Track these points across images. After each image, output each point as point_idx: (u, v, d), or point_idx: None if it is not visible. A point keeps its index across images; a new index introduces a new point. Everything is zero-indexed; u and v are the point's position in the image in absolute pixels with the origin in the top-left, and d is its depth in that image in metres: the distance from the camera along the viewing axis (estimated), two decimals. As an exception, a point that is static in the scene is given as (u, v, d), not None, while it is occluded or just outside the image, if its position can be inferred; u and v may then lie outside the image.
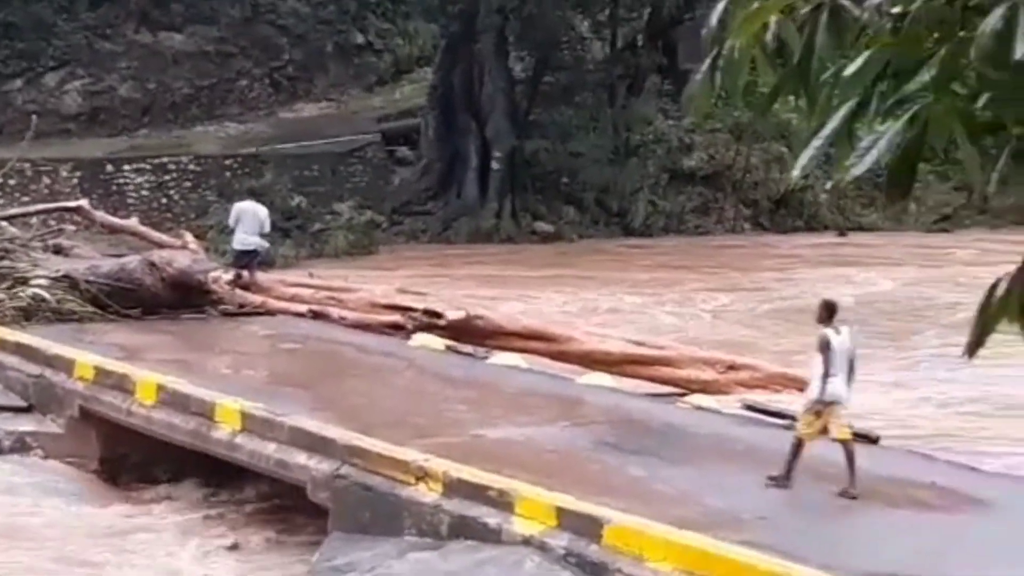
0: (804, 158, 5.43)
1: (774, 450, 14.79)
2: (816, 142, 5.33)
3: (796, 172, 5.51)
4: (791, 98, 5.61)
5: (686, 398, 17.92)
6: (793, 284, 34.90)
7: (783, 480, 12.98)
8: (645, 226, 45.83)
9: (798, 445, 12.94)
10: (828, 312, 13.02)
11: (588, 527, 11.78)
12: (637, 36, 49.68)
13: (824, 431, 12.91)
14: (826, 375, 12.78)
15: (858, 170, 5.22)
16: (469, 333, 20.53)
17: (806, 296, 32.93)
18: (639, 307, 31.99)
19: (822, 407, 12.85)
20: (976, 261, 36.57)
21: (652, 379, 19.30)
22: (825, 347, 12.79)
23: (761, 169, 47.51)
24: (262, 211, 22.82)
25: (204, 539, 15.22)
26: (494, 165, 45.13)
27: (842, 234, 46.32)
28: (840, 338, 12.86)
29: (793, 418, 15.75)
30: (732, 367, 19.26)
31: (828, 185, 42.01)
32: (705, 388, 18.67)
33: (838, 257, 41.12)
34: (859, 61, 5.24)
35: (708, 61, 5.48)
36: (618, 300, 32.83)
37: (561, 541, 11.86)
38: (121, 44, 46.85)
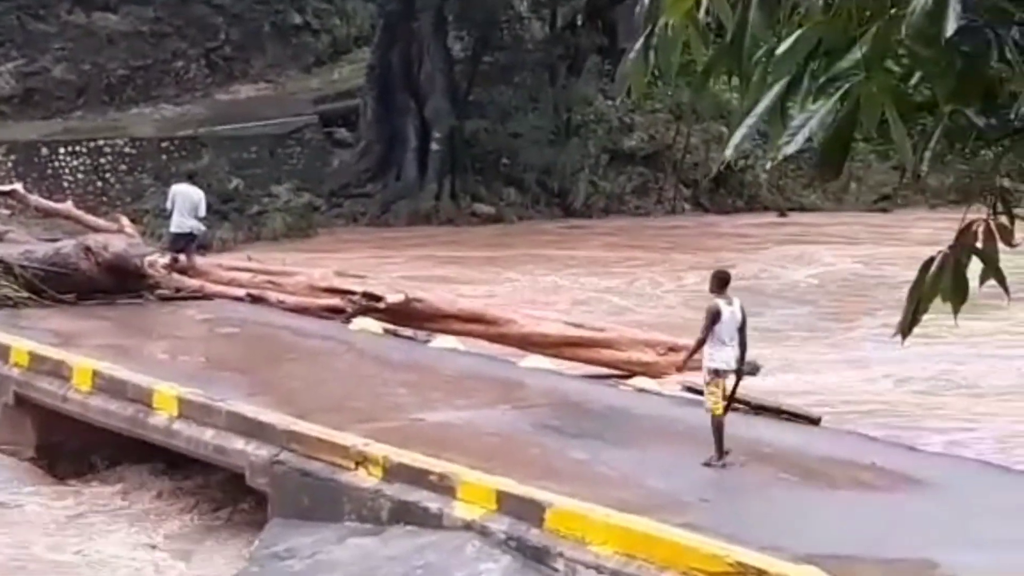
0: (737, 136, 5.39)
1: (715, 431, 14.81)
2: (749, 120, 5.29)
3: (729, 151, 5.51)
4: (731, 77, 5.56)
5: (627, 380, 17.89)
6: (748, 263, 34.87)
7: (716, 460, 13.05)
8: (586, 207, 45.80)
9: (718, 424, 13.06)
10: (720, 283, 13.21)
11: (529, 511, 11.72)
12: (577, 16, 49.58)
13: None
14: (703, 344, 13.08)
15: (790, 148, 5.18)
16: (409, 316, 20.43)
17: (763, 277, 33.14)
18: (585, 288, 32.00)
19: (719, 376, 13.05)
20: (933, 240, 36.71)
21: (593, 361, 19.25)
22: (716, 317, 12.99)
23: (701, 149, 47.57)
24: (197, 194, 22.64)
25: (141, 527, 15.09)
26: (433, 146, 44.98)
27: (782, 214, 46.43)
28: (731, 308, 13.06)
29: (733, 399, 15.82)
30: (673, 348, 19.19)
31: (767, 165, 42.09)
32: (646, 370, 18.63)
33: (787, 236, 41.24)
34: (791, 39, 5.20)
35: (642, 39, 5.42)
36: (564, 281, 32.84)
37: (502, 525, 11.80)
38: (55, 24, 46.37)
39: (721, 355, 13.01)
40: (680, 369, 14.22)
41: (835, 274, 34.73)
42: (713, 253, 36.77)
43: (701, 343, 13.13)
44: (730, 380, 13.14)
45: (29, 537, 14.66)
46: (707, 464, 13.06)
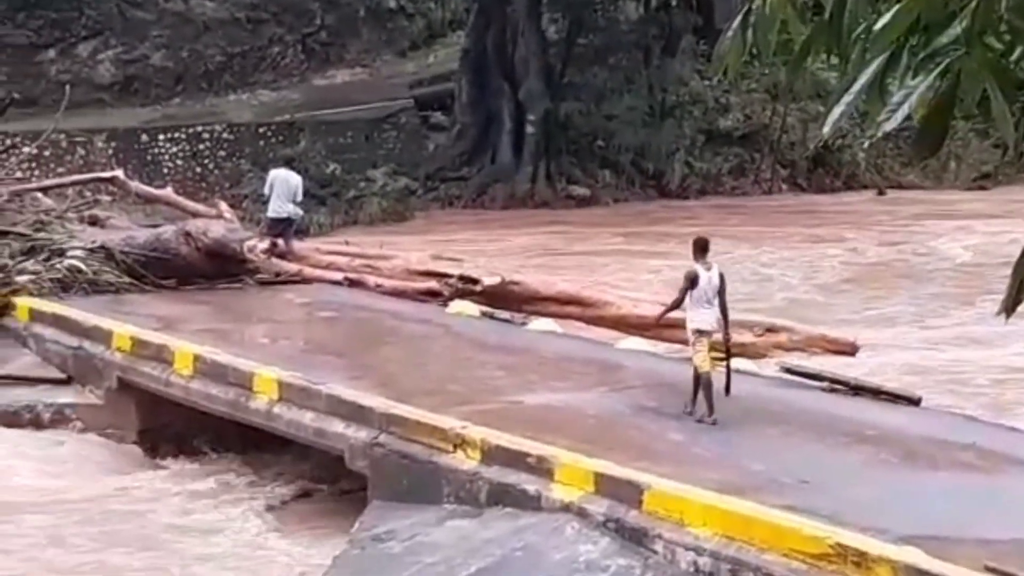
0: (835, 114, 5.34)
1: (814, 412, 14.74)
2: (847, 98, 5.24)
3: (827, 128, 5.47)
4: (829, 55, 5.52)
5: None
6: (869, 241, 34.50)
7: (706, 416, 13.78)
8: (681, 188, 45.66)
9: (700, 379, 13.86)
10: (700, 249, 13.98)
11: (628, 493, 11.71)
12: (672, -5, 49.43)
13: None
14: (678, 305, 14.06)
15: (889, 125, 5.12)
16: (505, 299, 20.45)
17: (910, 255, 32.87)
18: (681, 270, 31.81)
19: (702, 335, 13.85)
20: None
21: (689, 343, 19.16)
22: (693, 282, 13.80)
23: (798, 128, 47.29)
24: (295, 179, 22.75)
25: (243, 510, 15.23)
26: (528, 129, 44.97)
27: (881, 193, 46.08)
28: (709, 274, 13.84)
29: (831, 379, 15.73)
30: (770, 330, 19.09)
31: (865, 144, 41.78)
32: (743, 351, 18.53)
33: (916, 215, 40.72)
34: (890, 15, 5.14)
35: (739, 18, 5.39)
36: (660, 262, 32.70)
37: (600, 507, 11.80)
38: (153, 12, 46.79)
39: (702, 316, 13.82)
40: (657, 323, 15.19)
41: (986, 249, 34.19)
42: (826, 230, 36.53)
43: (676, 303, 14.09)
44: (707, 339, 13.87)
45: (131, 519, 14.83)
46: (689, 414, 13.88)
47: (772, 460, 12.72)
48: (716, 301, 13.85)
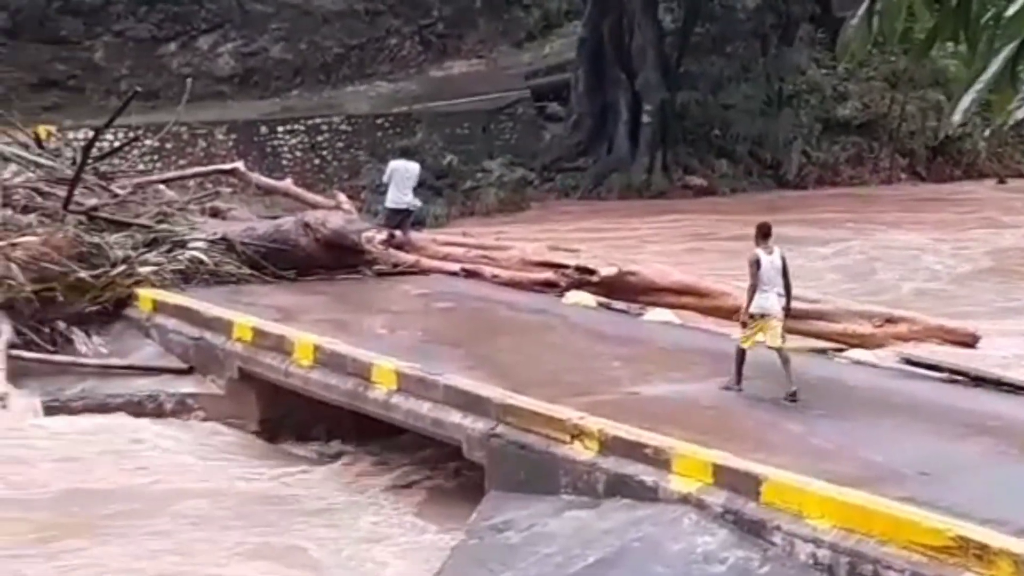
0: (965, 102, 5.27)
1: (934, 403, 14.60)
2: (977, 86, 5.17)
3: (957, 116, 5.41)
4: (954, 43, 5.45)
5: (843, 352, 17.68)
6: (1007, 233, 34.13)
7: (734, 386, 14.47)
8: (799, 177, 45.36)
9: (741, 353, 14.50)
10: (762, 234, 14.42)
11: (746, 484, 11.65)
12: (789, -17, 49.06)
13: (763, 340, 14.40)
14: (756, 290, 14.30)
15: (1022, 113, 5.05)
16: (622, 289, 20.43)
17: None
18: (799, 259, 31.61)
19: (756, 319, 14.30)
20: None
21: (807, 333, 19.04)
22: (756, 265, 14.26)
23: (917, 117, 46.79)
24: (414, 167, 22.84)
25: (362, 497, 15.35)
26: (645, 119, 44.86)
27: (1002, 181, 45.47)
28: (771, 257, 14.31)
29: (950, 370, 15.57)
30: (890, 320, 18.97)
31: (987, 132, 41.26)
32: (862, 342, 18.41)
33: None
34: (1021, 2, 5.07)
35: (865, 5, 5.33)
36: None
37: (719, 499, 11.76)
38: (272, 5, 47.23)
39: (760, 300, 14.27)
40: (744, 316, 14.76)
41: None
42: (950, 219, 36.13)
43: (753, 289, 14.33)
44: (771, 321, 14.28)
45: (252, 507, 14.97)
46: (726, 388, 14.49)
47: (891, 451, 12.61)
48: (780, 284, 14.34)
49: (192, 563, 13.37)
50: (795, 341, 18.63)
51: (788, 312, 14.58)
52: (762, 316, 14.31)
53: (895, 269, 30.93)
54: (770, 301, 14.30)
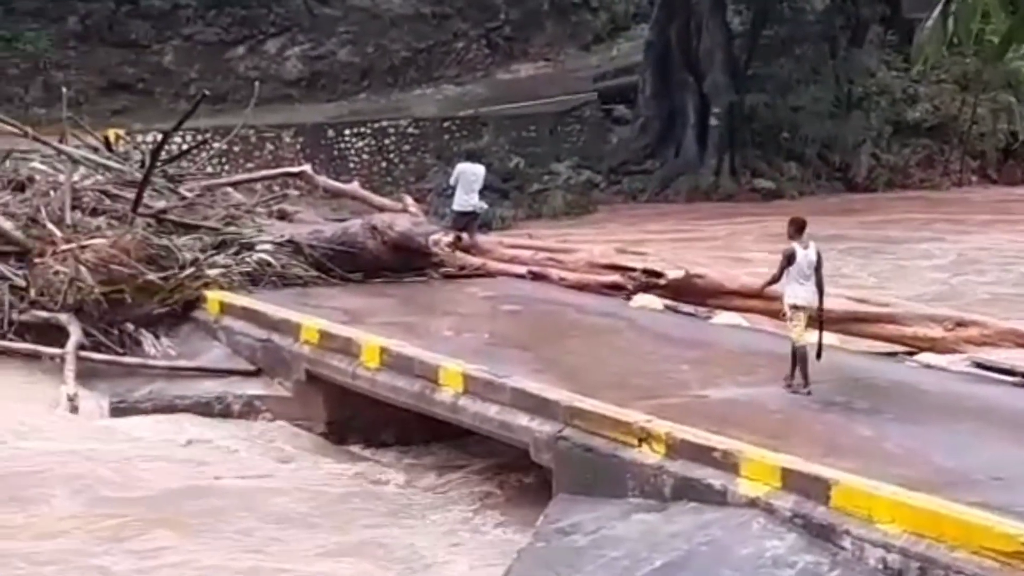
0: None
1: (1007, 408, 14.45)
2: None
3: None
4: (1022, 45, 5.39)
5: (913, 356, 17.54)
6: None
7: (801, 387, 14.48)
8: (868, 180, 45.09)
9: (796, 352, 14.56)
10: (796, 228, 14.57)
11: (815, 488, 11.56)
12: (859, -15, 48.77)
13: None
14: (776, 280, 14.69)
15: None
16: (689, 292, 20.34)
17: None
18: (869, 262, 31.46)
19: (797, 310, 14.49)
20: None
21: (877, 337, 18.90)
22: (790, 259, 14.43)
23: (988, 119, 46.42)
24: (480, 169, 22.84)
25: (429, 499, 15.36)
26: (713, 121, 44.73)
27: (1075, 184, 45.11)
28: (806, 252, 14.46)
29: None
30: (960, 324, 18.77)
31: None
32: (932, 346, 18.24)
33: None
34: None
35: (939, 7, 5.29)
36: (847, 256, 32.30)
37: (787, 503, 11.67)
38: (340, 8, 47.43)
39: (798, 292, 14.46)
40: (758, 294, 15.86)
41: None
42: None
43: (774, 279, 14.76)
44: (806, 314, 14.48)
45: (321, 509, 15.01)
46: (788, 386, 14.53)
47: (963, 456, 12.48)
48: (813, 278, 14.49)
49: (279, 560, 13.45)
50: (865, 344, 18.57)
51: (821, 310, 14.69)
52: (801, 307, 14.53)
53: (968, 272, 30.68)
54: (808, 291, 14.52)
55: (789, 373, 14.60)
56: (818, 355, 14.54)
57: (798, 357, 14.51)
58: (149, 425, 17.67)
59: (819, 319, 14.65)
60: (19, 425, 17.35)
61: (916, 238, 35.67)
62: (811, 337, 14.54)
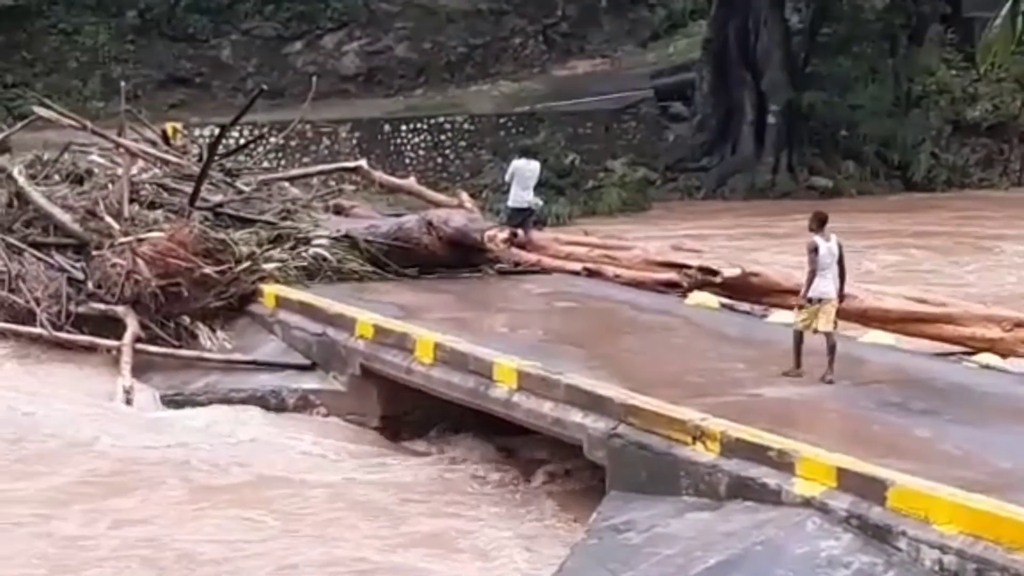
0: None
1: (1067, 410, 14.30)
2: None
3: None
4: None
5: (972, 357, 17.40)
6: None
7: (794, 372, 15.02)
8: (927, 180, 44.75)
9: (798, 337, 15.10)
10: (818, 222, 14.95)
11: (871, 489, 11.48)
12: (918, -16, 48.42)
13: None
14: (814, 275, 14.90)
15: None
16: (745, 290, 20.24)
17: None
18: (927, 263, 31.26)
19: (813, 303, 14.91)
20: None
21: (935, 337, 18.75)
22: (814, 251, 14.88)
23: (1049, 119, 46.01)
24: (535, 166, 22.80)
25: (483, 495, 15.36)
26: (770, 119, 44.55)
27: None
28: (828, 244, 14.90)
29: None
30: (1019, 324, 18.59)
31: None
32: (991, 347, 18.08)
33: None
34: None
35: (1008, 6, 5.22)
36: (905, 255, 32.11)
37: (843, 503, 11.60)
38: (397, 4, 47.50)
39: (818, 285, 14.91)
40: (799, 301, 15.43)
41: None
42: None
43: (812, 275, 14.94)
44: (826, 306, 14.91)
45: (376, 503, 15.05)
46: (786, 374, 15.03)
47: (1022, 458, 12.37)
48: (835, 270, 14.98)
49: (361, 550, 13.69)
50: (922, 344, 18.44)
51: (842, 298, 15.21)
52: (819, 300, 14.92)
53: (989, 273, 30.46)
54: (827, 285, 14.92)
55: (795, 362, 15.08)
56: (832, 351, 14.96)
57: (795, 341, 15.11)
58: (205, 417, 17.78)
59: (838, 308, 15.17)
60: (80, 418, 17.53)
61: (973, 235, 35.41)
62: (823, 326, 14.92)
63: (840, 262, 15.03)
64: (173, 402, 18.31)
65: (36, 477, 15.65)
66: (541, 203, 23.58)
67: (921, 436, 13.15)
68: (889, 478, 11.44)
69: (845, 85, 45.72)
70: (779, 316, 19.16)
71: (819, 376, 14.86)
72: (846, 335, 18.14)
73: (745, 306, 19.69)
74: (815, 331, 14.96)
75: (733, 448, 12.70)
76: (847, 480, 11.71)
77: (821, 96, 45.33)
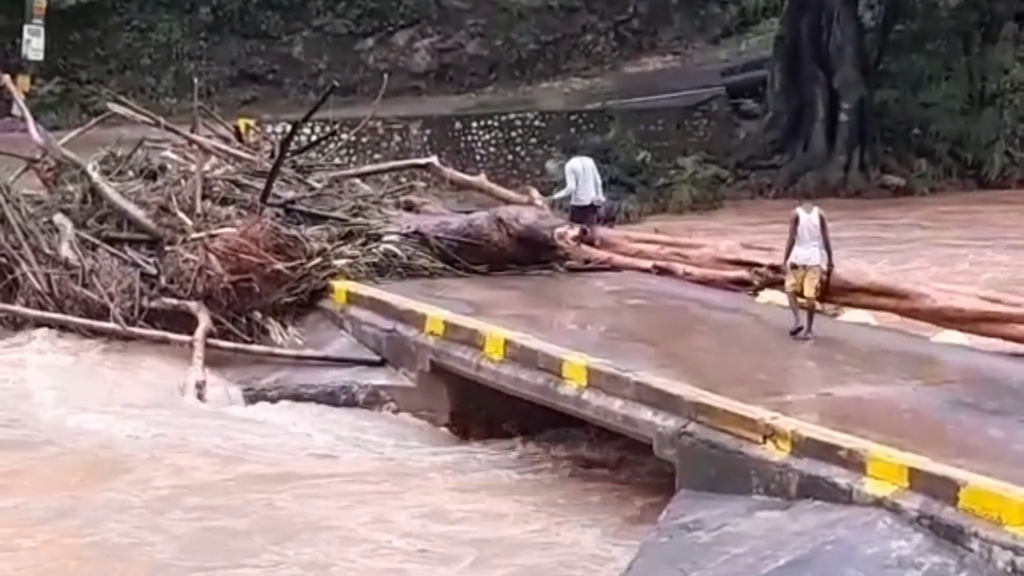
0: None
1: None
2: None
3: None
4: None
5: (1046, 357, 17.25)
6: None
7: (797, 330, 16.79)
8: (1001, 178, 44.29)
9: (792, 298, 17.02)
10: (806, 195, 16.95)
11: (943, 489, 11.41)
12: (993, -19, 47.96)
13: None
14: (793, 243, 16.83)
15: None
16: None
17: None
18: (1002, 262, 30.93)
19: (797, 269, 16.78)
20: None
21: (1010, 337, 18.53)
22: (794, 222, 16.86)
23: (1125, 117, 45.45)
24: (589, 163, 22.94)
25: (554, 494, 15.36)
26: (842, 117, 44.23)
27: None
28: (809, 216, 16.87)
29: None
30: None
31: None
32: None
33: None
34: None
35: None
36: (979, 254, 31.79)
37: (914, 503, 11.53)
38: (468, 1, 47.49)
39: (798, 252, 16.83)
40: (784, 267, 17.31)
41: None
42: None
43: (791, 243, 16.88)
44: (811, 272, 16.78)
45: (444, 501, 15.08)
46: (793, 333, 16.76)
47: (1097, 460, 12.26)
48: (819, 239, 16.77)
49: (433, 529, 14.17)
50: (996, 344, 18.27)
51: (831, 267, 17.07)
52: (803, 266, 16.73)
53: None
54: (809, 251, 16.73)
55: (794, 318, 16.77)
56: (810, 315, 16.77)
57: (791, 302, 16.92)
58: (279, 412, 17.88)
59: (827, 277, 16.99)
60: (156, 411, 17.70)
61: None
62: (808, 292, 16.69)
63: (823, 232, 16.85)
64: (252, 398, 18.41)
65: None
66: (604, 200, 23.60)
67: (994, 436, 13.07)
68: (961, 478, 11.37)
69: (918, 83, 45.35)
70: (851, 315, 19.07)
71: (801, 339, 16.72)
72: (919, 335, 18.07)
73: (816, 305, 19.56)
74: (801, 297, 16.74)
75: (804, 447, 12.65)
76: (918, 480, 11.65)
77: (893, 94, 45.00)
